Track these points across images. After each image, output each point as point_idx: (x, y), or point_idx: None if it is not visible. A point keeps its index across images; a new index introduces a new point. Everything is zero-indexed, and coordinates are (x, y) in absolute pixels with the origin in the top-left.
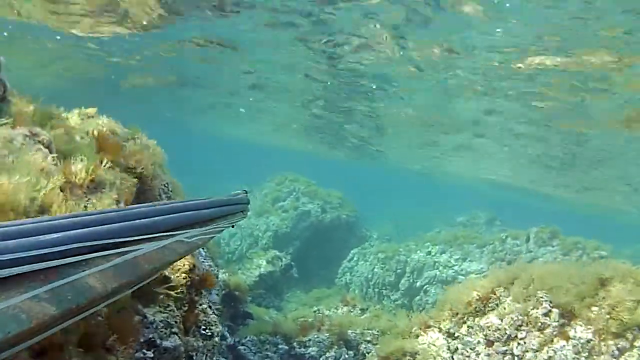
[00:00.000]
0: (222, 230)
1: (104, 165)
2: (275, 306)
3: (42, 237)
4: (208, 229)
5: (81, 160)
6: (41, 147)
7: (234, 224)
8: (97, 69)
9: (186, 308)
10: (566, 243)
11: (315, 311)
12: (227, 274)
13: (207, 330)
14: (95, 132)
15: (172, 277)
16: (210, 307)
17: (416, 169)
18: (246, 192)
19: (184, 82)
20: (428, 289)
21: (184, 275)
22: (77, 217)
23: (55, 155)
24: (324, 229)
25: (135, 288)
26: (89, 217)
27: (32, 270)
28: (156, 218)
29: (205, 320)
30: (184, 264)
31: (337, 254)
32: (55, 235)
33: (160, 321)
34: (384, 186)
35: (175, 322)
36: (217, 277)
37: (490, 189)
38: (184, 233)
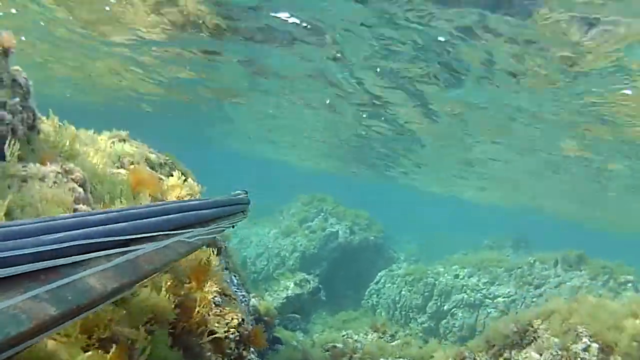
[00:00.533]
0: (223, 230)
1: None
2: (302, 328)
3: (42, 237)
4: (209, 229)
5: (121, 201)
6: (75, 185)
7: (234, 225)
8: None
9: None
10: (593, 267)
11: (344, 336)
12: (256, 299)
13: None
14: (129, 165)
15: (221, 331)
16: None
17: (441, 192)
18: (246, 193)
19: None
20: (455, 312)
21: (232, 330)
22: (77, 217)
23: (90, 194)
24: (351, 251)
25: (135, 288)
26: (90, 216)
27: (33, 270)
28: (157, 218)
29: None
30: (232, 317)
31: (365, 275)
32: (55, 235)
33: None
34: (408, 206)
35: None
36: (248, 304)
37: (515, 212)
38: (185, 233)
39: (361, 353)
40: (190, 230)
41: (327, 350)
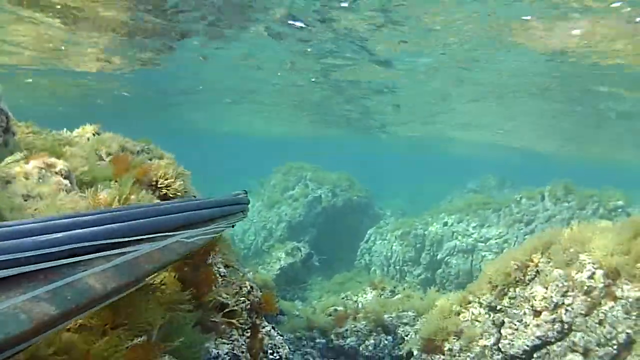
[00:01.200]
0: (223, 230)
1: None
2: (300, 297)
3: (42, 237)
4: (208, 229)
5: (111, 186)
6: (60, 178)
7: (233, 224)
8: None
9: (249, 334)
10: (581, 197)
11: (343, 298)
12: (251, 273)
13: (274, 354)
14: (107, 153)
15: (231, 302)
16: (274, 328)
17: (417, 139)
18: (246, 192)
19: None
20: (449, 260)
21: (243, 299)
22: (77, 217)
23: (76, 185)
24: (337, 213)
25: (134, 289)
26: (89, 217)
27: (32, 270)
28: (156, 218)
29: (271, 344)
30: (241, 287)
31: (354, 235)
32: (55, 235)
33: (226, 353)
34: (387, 161)
35: (242, 352)
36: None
37: (495, 152)
38: (183, 233)
39: (364, 312)
40: (189, 230)
41: (330, 315)
